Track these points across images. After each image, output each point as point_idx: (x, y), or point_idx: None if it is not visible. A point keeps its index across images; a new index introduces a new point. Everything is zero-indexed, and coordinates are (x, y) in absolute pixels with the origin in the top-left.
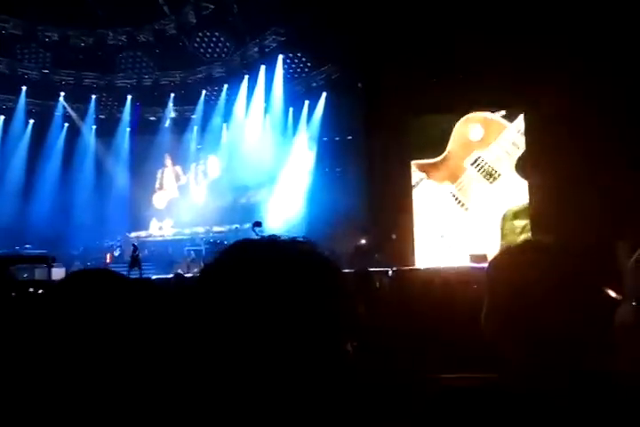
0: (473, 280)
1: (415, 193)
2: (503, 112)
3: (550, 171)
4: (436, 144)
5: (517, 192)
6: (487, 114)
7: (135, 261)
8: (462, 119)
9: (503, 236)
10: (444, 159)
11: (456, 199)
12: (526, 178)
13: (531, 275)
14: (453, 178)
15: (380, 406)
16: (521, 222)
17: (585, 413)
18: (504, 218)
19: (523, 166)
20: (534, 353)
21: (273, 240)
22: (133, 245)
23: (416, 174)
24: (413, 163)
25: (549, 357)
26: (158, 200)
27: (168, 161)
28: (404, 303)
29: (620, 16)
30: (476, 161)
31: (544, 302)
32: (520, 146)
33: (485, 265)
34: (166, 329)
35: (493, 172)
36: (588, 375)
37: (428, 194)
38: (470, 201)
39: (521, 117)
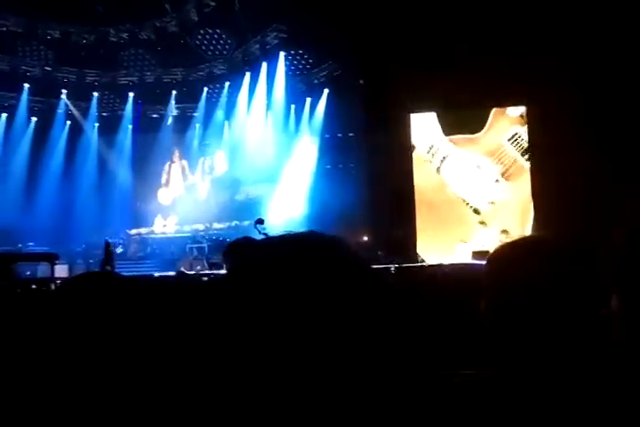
0: (475, 276)
1: (444, 167)
2: None
3: (553, 165)
4: (475, 120)
5: None
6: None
7: (108, 259)
8: None
9: None
10: (482, 135)
11: (491, 174)
12: None
13: (528, 268)
14: (490, 153)
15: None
16: None
17: (576, 402)
18: None
19: None
20: (529, 344)
21: (312, 237)
22: (106, 241)
23: (444, 149)
24: (448, 138)
25: (544, 348)
26: (164, 196)
27: (176, 156)
28: (405, 300)
29: (622, 11)
30: (513, 137)
31: (540, 296)
32: None
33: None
34: (173, 328)
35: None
36: (581, 364)
37: (458, 167)
38: (505, 175)
39: None
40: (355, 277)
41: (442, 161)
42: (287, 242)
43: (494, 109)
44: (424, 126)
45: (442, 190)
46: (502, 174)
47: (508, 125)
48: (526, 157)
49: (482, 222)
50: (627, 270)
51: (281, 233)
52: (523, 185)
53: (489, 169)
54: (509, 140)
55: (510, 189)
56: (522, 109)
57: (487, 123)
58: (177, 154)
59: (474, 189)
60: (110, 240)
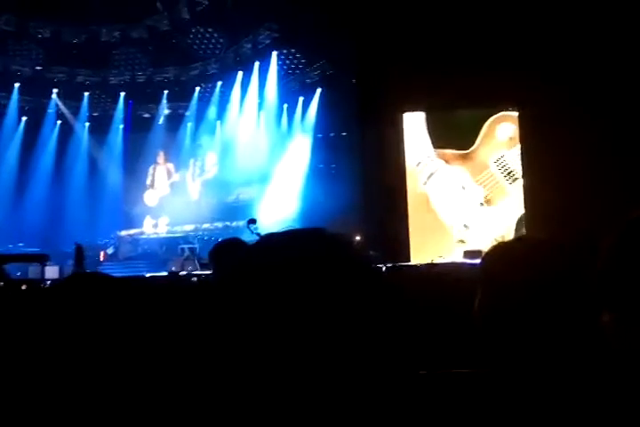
0: (467, 276)
1: (430, 183)
2: None
3: (545, 168)
4: (465, 136)
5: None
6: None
7: (79, 262)
8: (494, 117)
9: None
10: (470, 153)
11: (475, 196)
12: None
13: (522, 269)
14: (475, 173)
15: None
16: None
17: (567, 401)
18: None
19: None
20: (524, 345)
21: (315, 235)
22: (77, 244)
23: (434, 163)
24: (436, 151)
25: (538, 350)
26: (149, 198)
27: (160, 158)
28: (396, 299)
29: (619, 15)
30: (499, 159)
31: (534, 297)
32: None
33: (479, 261)
34: (166, 328)
35: (514, 172)
36: (573, 364)
37: (443, 186)
38: (488, 197)
39: None
40: (360, 278)
41: (429, 177)
42: (291, 239)
43: (484, 129)
44: (414, 137)
45: (426, 204)
46: (485, 197)
47: (495, 147)
48: (509, 180)
49: (461, 241)
50: (612, 285)
51: (283, 229)
52: (504, 209)
53: (474, 191)
54: (495, 162)
55: (492, 213)
56: (510, 133)
57: (476, 142)
58: (162, 156)
59: (456, 211)
60: (81, 243)
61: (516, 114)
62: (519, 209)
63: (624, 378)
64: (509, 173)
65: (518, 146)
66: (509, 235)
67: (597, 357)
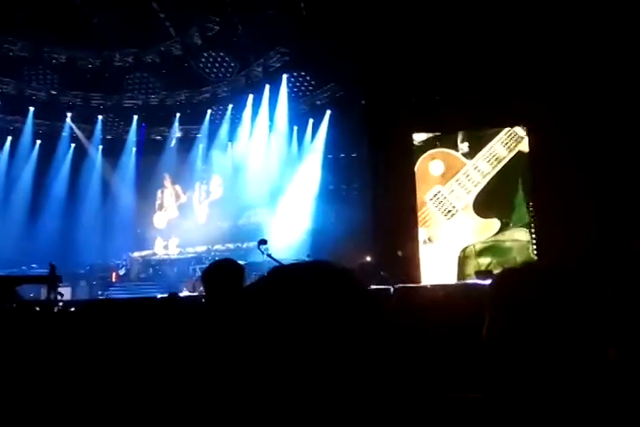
0: (477, 297)
1: None
2: (465, 149)
3: (555, 189)
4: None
5: (473, 229)
6: (449, 150)
7: (53, 282)
8: (425, 155)
9: (466, 274)
10: None
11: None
12: (484, 217)
13: (530, 295)
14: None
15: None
16: (485, 260)
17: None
18: (466, 256)
19: (478, 208)
20: (532, 370)
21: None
22: (51, 264)
23: None
24: None
25: (545, 374)
26: (158, 220)
27: (167, 181)
28: (403, 321)
29: (622, 28)
30: (435, 195)
31: (542, 322)
32: (478, 184)
33: (489, 282)
34: (177, 348)
35: (451, 207)
36: (581, 396)
37: None
38: (429, 235)
39: (479, 155)
40: (357, 308)
41: None
42: (296, 272)
43: (417, 168)
44: None
45: None
46: (426, 234)
47: (430, 184)
48: (447, 216)
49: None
50: (619, 323)
51: (286, 263)
52: (445, 244)
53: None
54: (432, 199)
55: (434, 249)
56: (441, 169)
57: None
58: (168, 179)
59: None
60: (53, 263)
61: (445, 151)
62: (459, 245)
63: (631, 406)
64: (447, 209)
65: (451, 182)
66: (452, 272)
67: (605, 385)
